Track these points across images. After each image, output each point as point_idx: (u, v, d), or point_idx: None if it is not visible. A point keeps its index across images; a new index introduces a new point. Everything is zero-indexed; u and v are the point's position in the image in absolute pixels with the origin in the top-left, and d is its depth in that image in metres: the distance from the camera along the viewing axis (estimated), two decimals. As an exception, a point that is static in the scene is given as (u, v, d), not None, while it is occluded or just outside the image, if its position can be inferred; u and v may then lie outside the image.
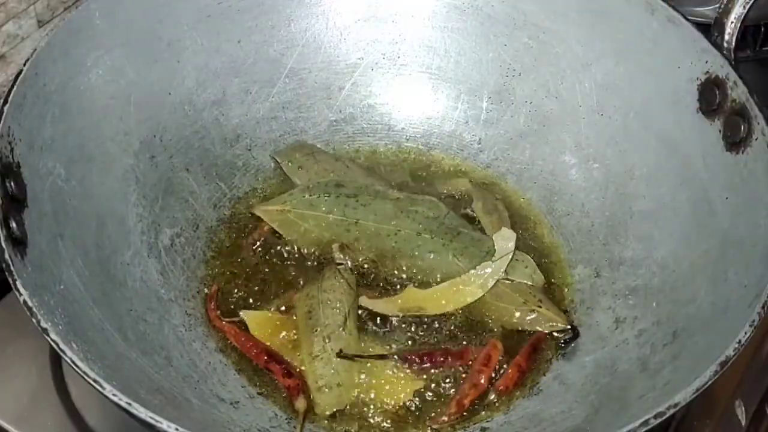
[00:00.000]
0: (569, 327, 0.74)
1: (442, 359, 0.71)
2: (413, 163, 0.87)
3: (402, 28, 0.87)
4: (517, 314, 0.75)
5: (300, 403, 0.69)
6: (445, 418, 0.69)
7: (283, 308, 0.75)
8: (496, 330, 0.74)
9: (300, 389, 0.69)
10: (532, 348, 0.73)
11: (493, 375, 0.71)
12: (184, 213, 0.78)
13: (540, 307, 0.74)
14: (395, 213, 0.79)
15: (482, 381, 0.70)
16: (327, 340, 0.71)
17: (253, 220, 0.81)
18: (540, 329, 0.74)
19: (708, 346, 0.62)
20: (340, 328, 0.72)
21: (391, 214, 0.79)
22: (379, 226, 0.79)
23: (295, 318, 0.74)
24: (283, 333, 0.73)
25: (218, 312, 0.74)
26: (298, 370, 0.71)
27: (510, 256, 0.76)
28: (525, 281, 0.77)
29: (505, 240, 0.76)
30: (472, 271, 0.75)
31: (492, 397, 0.70)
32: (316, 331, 0.71)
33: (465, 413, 0.69)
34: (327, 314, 0.72)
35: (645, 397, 0.63)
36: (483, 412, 0.70)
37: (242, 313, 0.73)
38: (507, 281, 0.76)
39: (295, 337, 0.73)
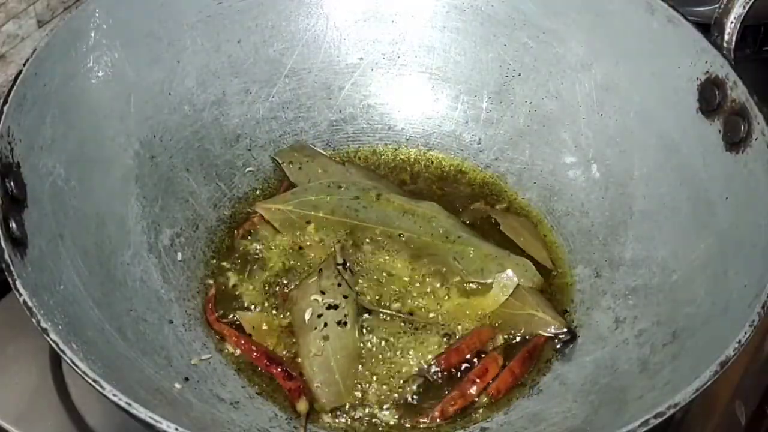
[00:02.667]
0: (566, 330, 0.74)
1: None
2: (413, 164, 0.87)
3: (402, 28, 0.87)
4: (515, 318, 0.75)
5: (302, 406, 0.68)
6: (427, 420, 0.69)
7: (279, 307, 0.75)
8: (499, 340, 0.74)
9: (301, 391, 0.69)
10: (527, 354, 0.73)
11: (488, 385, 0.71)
12: (184, 213, 0.78)
13: (537, 311, 0.74)
14: (397, 215, 0.80)
15: (472, 392, 0.70)
16: (325, 339, 0.71)
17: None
18: (537, 333, 0.74)
19: (708, 346, 0.62)
20: (339, 328, 0.72)
21: (392, 217, 0.80)
22: (381, 228, 0.79)
23: (290, 316, 0.74)
24: (279, 333, 0.73)
25: (216, 315, 0.73)
26: (298, 371, 0.71)
27: (503, 299, 0.75)
28: (526, 284, 0.76)
29: (501, 284, 0.75)
30: (461, 299, 0.76)
31: (483, 400, 0.70)
32: (314, 329, 0.72)
33: (448, 419, 0.69)
34: (326, 314, 0.72)
35: (645, 397, 0.63)
36: (483, 413, 0.70)
37: (238, 315, 0.74)
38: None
39: (291, 335, 0.73)
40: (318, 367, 0.70)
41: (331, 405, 0.69)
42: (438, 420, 0.69)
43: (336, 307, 0.73)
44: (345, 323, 0.72)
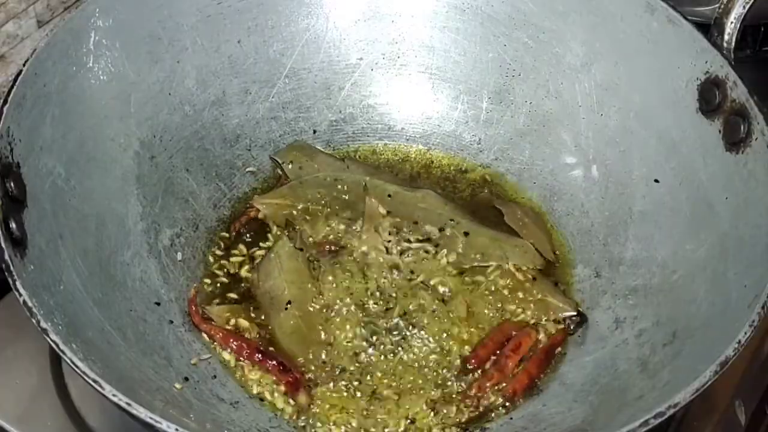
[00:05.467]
0: (576, 313, 0.74)
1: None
2: (413, 164, 0.87)
3: (402, 28, 0.86)
4: (524, 304, 0.76)
5: (302, 398, 0.69)
6: (468, 401, 0.70)
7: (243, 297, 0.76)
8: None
9: (300, 383, 0.70)
10: (544, 354, 0.73)
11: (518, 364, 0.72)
12: (184, 213, 0.78)
13: (546, 295, 0.75)
14: (395, 205, 0.80)
15: (509, 365, 0.71)
16: (297, 317, 0.73)
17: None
18: (548, 318, 0.75)
19: (708, 346, 0.62)
20: (310, 305, 0.73)
21: (390, 206, 0.80)
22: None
23: (256, 300, 0.75)
24: (251, 320, 0.74)
25: (201, 316, 0.73)
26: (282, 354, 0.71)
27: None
28: (526, 265, 0.77)
29: None
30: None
31: (500, 401, 0.70)
32: (284, 309, 0.73)
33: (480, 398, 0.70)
34: (293, 293, 0.74)
35: (645, 398, 0.64)
36: (482, 413, 0.70)
37: (206, 309, 0.74)
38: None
39: (261, 319, 0.74)
40: (296, 344, 0.72)
41: (317, 371, 0.71)
42: (475, 397, 0.70)
43: (301, 288, 0.74)
44: (312, 302, 0.74)
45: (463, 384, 0.71)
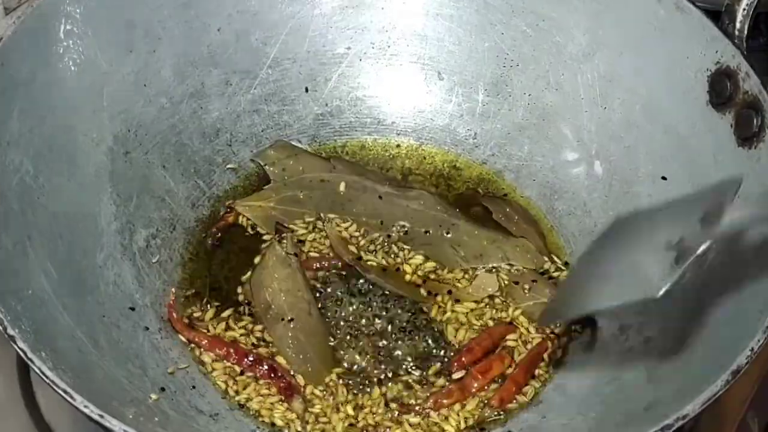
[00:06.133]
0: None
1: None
2: (404, 160, 0.86)
3: (392, 15, 0.86)
4: (527, 308, 0.75)
5: (296, 405, 0.69)
6: (417, 409, 0.69)
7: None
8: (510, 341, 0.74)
9: (294, 389, 0.69)
10: (530, 362, 0.72)
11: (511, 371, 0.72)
12: (161, 213, 0.77)
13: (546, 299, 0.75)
14: (386, 207, 0.80)
15: (473, 387, 0.70)
16: (295, 329, 0.72)
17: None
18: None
19: (719, 353, 0.60)
20: (307, 314, 0.72)
21: (380, 209, 0.79)
22: (369, 221, 0.79)
23: (252, 310, 0.74)
24: (245, 329, 0.73)
25: (183, 322, 0.72)
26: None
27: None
28: (526, 266, 0.77)
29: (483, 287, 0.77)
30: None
31: (487, 414, 0.70)
32: (281, 320, 0.72)
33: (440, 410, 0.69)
34: (289, 303, 0.73)
35: (652, 409, 0.62)
36: (482, 425, 0.70)
37: (198, 321, 0.73)
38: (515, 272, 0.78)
39: (257, 331, 0.73)
40: (295, 354, 0.71)
41: (318, 385, 0.70)
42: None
43: (297, 296, 0.73)
44: (311, 311, 0.73)
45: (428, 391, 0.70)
